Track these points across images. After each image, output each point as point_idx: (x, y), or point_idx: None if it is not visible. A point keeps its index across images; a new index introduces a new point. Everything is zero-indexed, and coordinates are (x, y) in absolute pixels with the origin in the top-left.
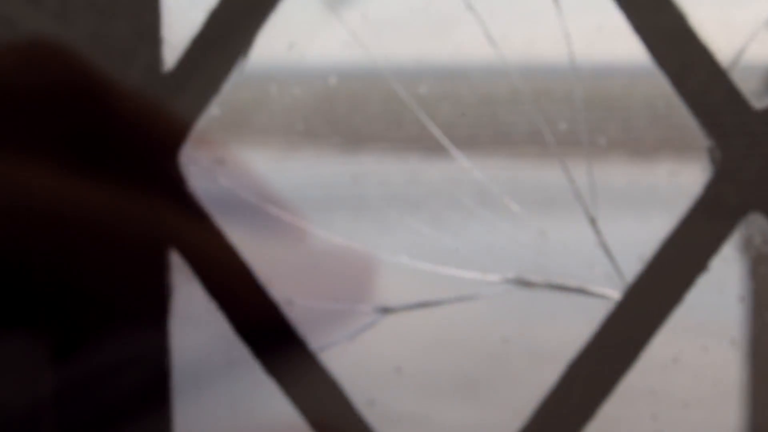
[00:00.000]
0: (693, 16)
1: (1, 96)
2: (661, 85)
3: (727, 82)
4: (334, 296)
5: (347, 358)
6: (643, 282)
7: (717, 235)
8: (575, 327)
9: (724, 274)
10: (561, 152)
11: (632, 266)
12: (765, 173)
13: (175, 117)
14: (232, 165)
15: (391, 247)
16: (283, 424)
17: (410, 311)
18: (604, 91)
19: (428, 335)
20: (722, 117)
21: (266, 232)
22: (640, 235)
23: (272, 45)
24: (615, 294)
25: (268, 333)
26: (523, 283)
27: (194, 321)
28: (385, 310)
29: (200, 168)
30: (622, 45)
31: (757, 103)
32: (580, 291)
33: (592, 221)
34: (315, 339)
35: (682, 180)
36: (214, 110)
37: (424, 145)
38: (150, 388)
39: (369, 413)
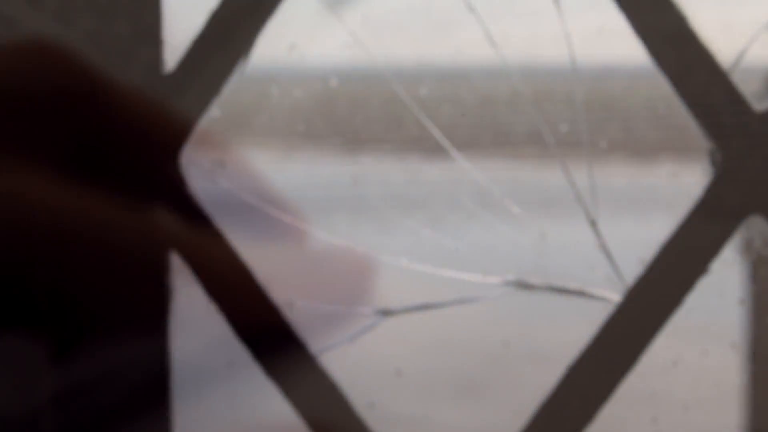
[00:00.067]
0: (693, 18)
1: (1, 98)
2: (661, 86)
3: (727, 84)
4: (334, 298)
5: (347, 361)
6: (644, 284)
7: (717, 238)
8: (575, 329)
9: (725, 276)
10: (561, 153)
11: (632, 268)
12: (765, 176)
13: (176, 118)
14: (233, 166)
15: (392, 249)
16: (283, 426)
17: (410, 313)
18: (604, 93)
19: (428, 337)
20: (722, 119)
21: (267, 234)
22: (641, 237)
23: (273, 46)
24: (615, 296)
25: (268, 335)
26: (524, 286)
27: (194, 323)
28: (386, 313)
29: (201, 169)
30: (622, 46)
31: (758, 105)
32: (581, 293)
33: (593, 223)
34: (315, 341)
35: (683, 181)
36: (214, 111)
37: (425, 146)
38: (149, 390)
39: (369, 415)
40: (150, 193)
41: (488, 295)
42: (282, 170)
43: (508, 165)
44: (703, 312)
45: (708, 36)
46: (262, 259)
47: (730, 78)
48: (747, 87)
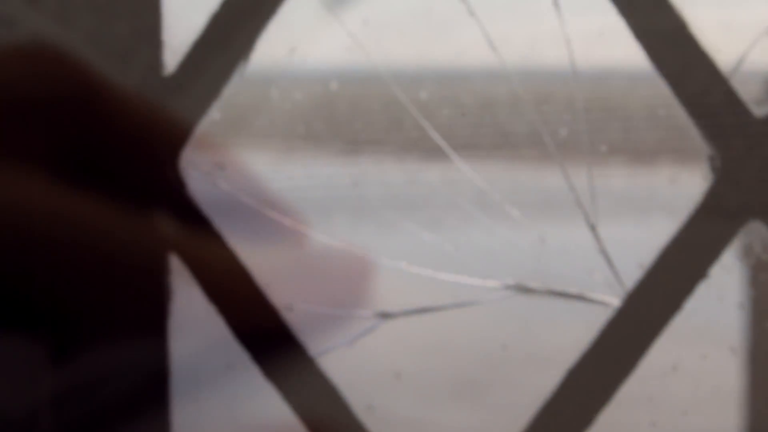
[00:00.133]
0: (692, 20)
1: None
2: (661, 88)
3: (726, 87)
4: (331, 300)
5: (346, 363)
6: (643, 289)
7: (717, 243)
8: (575, 333)
9: (724, 281)
10: (561, 156)
11: (632, 273)
12: (765, 180)
13: (174, 122)
14: (233, 169)
15: (391, 252)
16: (281, 428)
17: (410, 316)
18: (603, 95)
19: (427, 340)
20: (722, 124)
21: (265, 237)
22: (640, 240)
23: (273, 48)
24: (614, 301)
25: (268, 337)
26: (523, 289)
27: (193, 325)
28: (385, 316)
29: (200, 172)
30: (621, 48)
31: (758, 110)
32: (580, 297)
33: (592, 227)
34: (314, 344)
35: (682, 185)
36: (214, 114)
37: (425, 149)
38: (149, 392)
39: (368, 417)
40: (149, 196)
41: (487, 299)
42: (282, 171)
43: (507, 167)
44: (702, 316)
45: (707, 38)
46: (260, 261)
47: (729, 81)
48: (747, 91)
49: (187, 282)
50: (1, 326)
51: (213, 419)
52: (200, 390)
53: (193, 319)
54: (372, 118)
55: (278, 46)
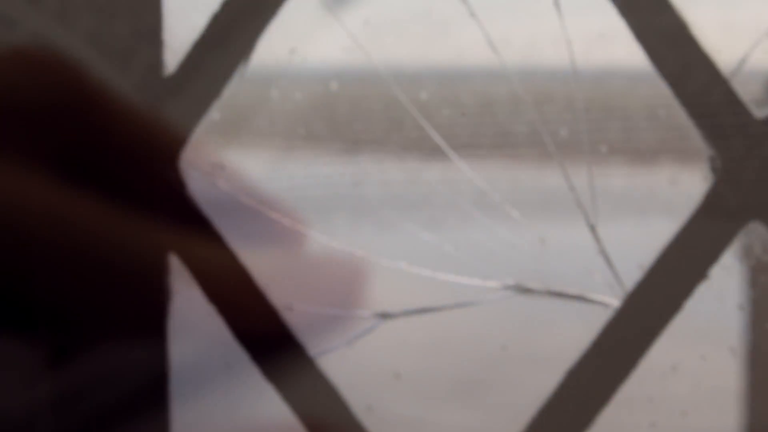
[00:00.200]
0: (693, 20)
1: None
2: (661, 89)
3: (727, 90)
4: (326, 302)
5: (346, 363)
6: (643, 289)
7: (717, 243)
8: (574, 334)
9: (724, 282)
10: (561, 156)
11: (632, 273)
12: (765, 181)
13: (173, 124)
14: (232, 169)
15: (391, 251)
16: (281, 428)
17: (409, 317)
18: (604, 95)
19: (427, 341)
20: (722, 124)
21: (264, 237)
22: (640, 241)
23: (273, 49)
24: (614, 301)
25: (267, 338)
26: (523, 290)
27: (193, 325)
28: (384, 316)
29: (200, 172)
30: (622, 49)
31: (758, 111)
32: (580, 298)
33: (592, 228)
34: (314, 344)
35: (683, 186)
36: (214, 114)
37: (425, 149)
38: (148, 392)
39: (367, 418)
40: (148, 196)
41: (487, 299)
42: (282, 171)
43: (507, 167)
44: (702, 317)
45: (707, 38)
46: (261, 262)
47: (729, 82)
48: (747, 92)
49: (187, 282)
50: (1, 327)
51: (213, 419)
52: (200, 390)
53: (192, 319)
54: (372, 118)
55: (278, 47)
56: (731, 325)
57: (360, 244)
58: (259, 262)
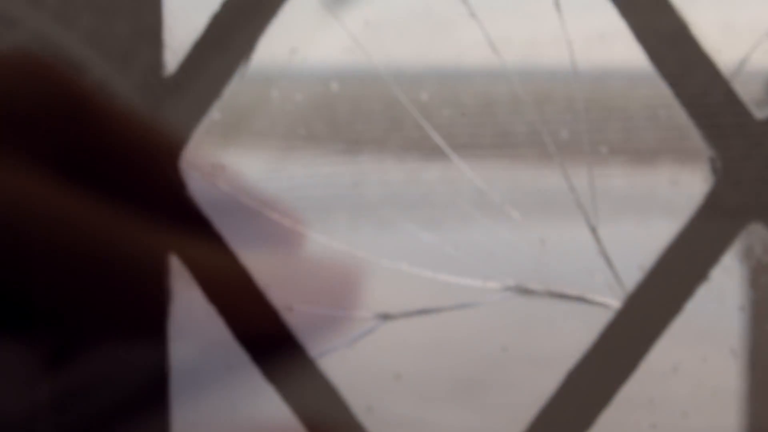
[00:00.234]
0: (693, 20)
1: None
2: (661, 89)
3: (727, 90)
4: (324, 303)
5: (347, 364)
6: (643, 290)
7: (717, 244)
8: (575, 335)
9: (725, 283)
10: (561, 156)
11: (632, 274)
12: (765, 182)
13: (172, 126)
14: (233, 169)
15: (391, 253)
16: (282, 429)
17: (410, 318)
18: (604, 96)
19: (427, 341)
20: (722, 125)
21: (265, 238)
22: (640, 242)
23: (273, 49)
24: (615, 302)
25: (268, 339)
26: (523, 291)
27: (193, 326)
28: (385, 317)
29: (200, 173)
30: (622, 49)
31: (759, 112)
32: (580, 299)
33: (593, 229)
34: (314, 345)
35: (683, 186)
36: (214, 114)
37: (425, 149)
38: (148, 394)
39: (368, 419)
40: (149, 197)
41: (488, 300)
42: (282, 171)
43: (508, 168)
44: (702, 318)
45: (708, 39)
46: (261, 262)
47: (729, 82)
48: (747, 92)
49: (187, 283)
50: (0, 328)
51: (213, 420)
52: (200, 391)
53: (192, 320)
54: (372, 118)
55: (279, 47)
56: (732, 326)
57: (360, 244)
58: (259, 263)
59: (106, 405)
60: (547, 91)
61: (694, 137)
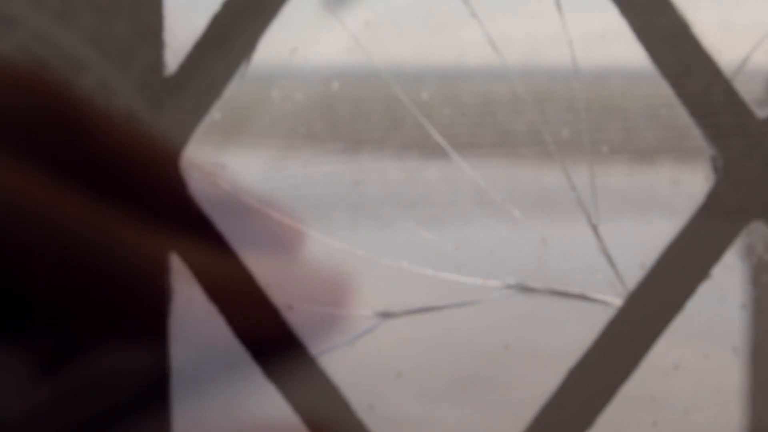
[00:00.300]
0: (693, 19)
1: None
2: (662, 89)
3: (728, 90)
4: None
5: (348, 363)
6: (645, 288)
7: (719, 243)
8: (576, 333)
9: (726, 281)
10: (562, 155)
11: (634, 272)
12: (766, 181)
13: (169, 134)
14: (233, 169)
15: (392, 252)
16: (283, 428)
17: (411, 316)
18: (605, 95)
19: (429, 340)
20: (723, 124)
21: (266, 237)
22: (642, 240)
23: (274, 49)
24: (616, 300)
25: (268, 337)
26: (524, 289)
27: (194, 325)
28: (386, 315)
29: (201, 172)
30: (623, 49)
31: (759, 112)
32: (582, 297)
33: (594, 227)
34: (315, 343)
35: (684, 185)
36: (215, 114)
37: (425, 148)
38: (148, 393)
39: (369, 417)
40: (149, 196)
41: (489, 298)
42: (282, 171)
43: (508, 166)
44: (704, 316)
45: (708, 38)
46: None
47: (730, 81)
48: (748, 92)
49: (188, 282)
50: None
51: (213, 419)
52: (200, 391)
53: (193, 319)
54: (373, 118)
55: (279, 47)
56: (733, 324)
57: (360, 243)
58: (259, 263)
59: (106, 405)
60: (548, 91)
61: (695, 136)
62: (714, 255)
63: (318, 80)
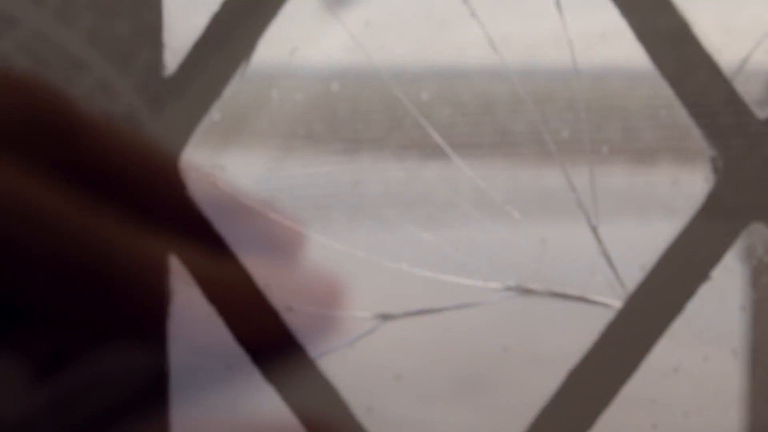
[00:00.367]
0: (694, 21)
1: None
2: (662, 89)
3: (728, 90)
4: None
5: (347, 365)
6: (644, 290)
7: (718, 244)
8: (576, 335)
9: (726, 283)
10: (562, 156)
11: (633, 274)
12: (767, 182)
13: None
14: (233, 170)
15: (391, 253)
16: (281, 429)
17: (410, 318)
18: (605, 95)
19: (428, 342)
20: (723, 124)
21: (265, 238)
22: (641, 242)
23: (274, 49)
24: (616, 302)
25: (268, 339)
26: (524, 291)
27: (193, 326)
28: (385, 317)
29: (200, 173)
30: (623, 49)
31: (759, 112)
32: (581, 299)
33: (594, 228)
34: (314, 345)
35: (684, 186)
36: (214, 114)
37: (425, 148)
38: (148, 394)
39: (368, 419)
40: (149, 197)
41: (488, 300)
42: (282, 171)
43: (508, 167)
44: (704, 318)
45: (708, 38)
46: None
47: (730, 82)
48: (748, 92)
49: (187, 283)
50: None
51: (212, 421)
52: (200, 391)
53: (192, 320)
54: (372, 118)
55: (279, 47)
56: (733, 326)
57: (360, 244)
58: (258, 265)
59: (105, 406)
60: (548, 91)
61: (695, 137)
62: (714, 257)
63: (318, 80)
